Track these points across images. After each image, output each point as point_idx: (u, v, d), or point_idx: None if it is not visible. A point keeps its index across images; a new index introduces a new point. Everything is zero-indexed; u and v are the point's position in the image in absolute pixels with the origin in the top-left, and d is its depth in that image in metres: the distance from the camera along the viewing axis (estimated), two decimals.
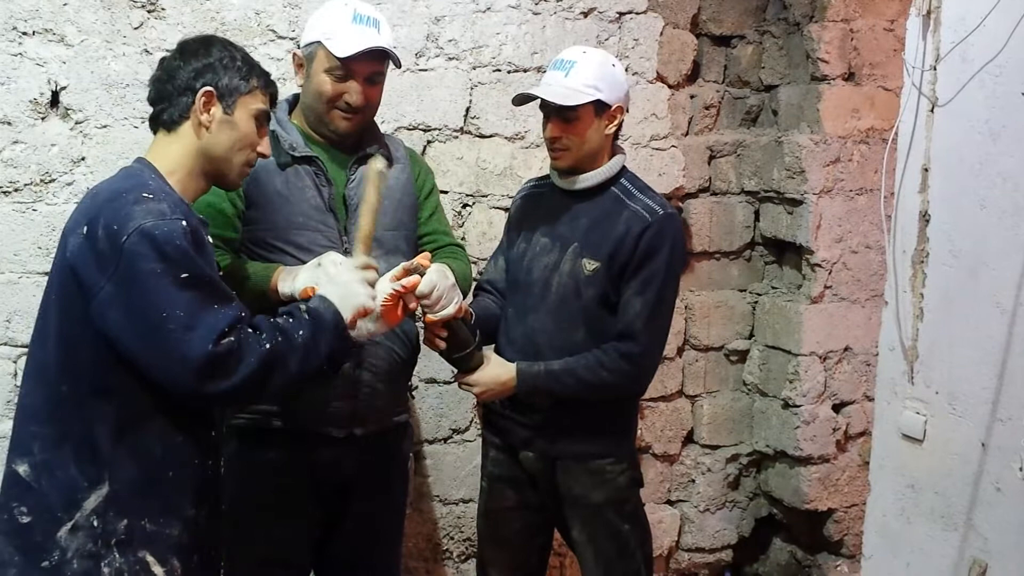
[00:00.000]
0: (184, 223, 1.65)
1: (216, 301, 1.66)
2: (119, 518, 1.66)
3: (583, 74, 2.26)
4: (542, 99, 2.28)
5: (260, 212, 2.16)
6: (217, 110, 1.76)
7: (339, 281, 1.85)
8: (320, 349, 1.76)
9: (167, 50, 2.53)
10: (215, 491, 1.84)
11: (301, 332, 1.74)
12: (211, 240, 1.96)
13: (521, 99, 2.35)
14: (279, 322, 1.74)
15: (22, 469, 1.67)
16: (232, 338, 1.64)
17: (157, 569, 1.69)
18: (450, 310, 2.12)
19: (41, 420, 1.67)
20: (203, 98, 1.75)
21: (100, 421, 1.65)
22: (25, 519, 1.65)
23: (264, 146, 1.85)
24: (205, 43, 1.82)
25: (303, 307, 1.79)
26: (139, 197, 1.65)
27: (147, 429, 1.69)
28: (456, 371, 2.34)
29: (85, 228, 1.63)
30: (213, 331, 1.62)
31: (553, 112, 2.28)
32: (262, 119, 1.83)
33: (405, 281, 2.00)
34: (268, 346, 1.68)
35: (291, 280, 2.02)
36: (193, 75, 1.76)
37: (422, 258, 2.09)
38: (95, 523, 1.65)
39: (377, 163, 2.00)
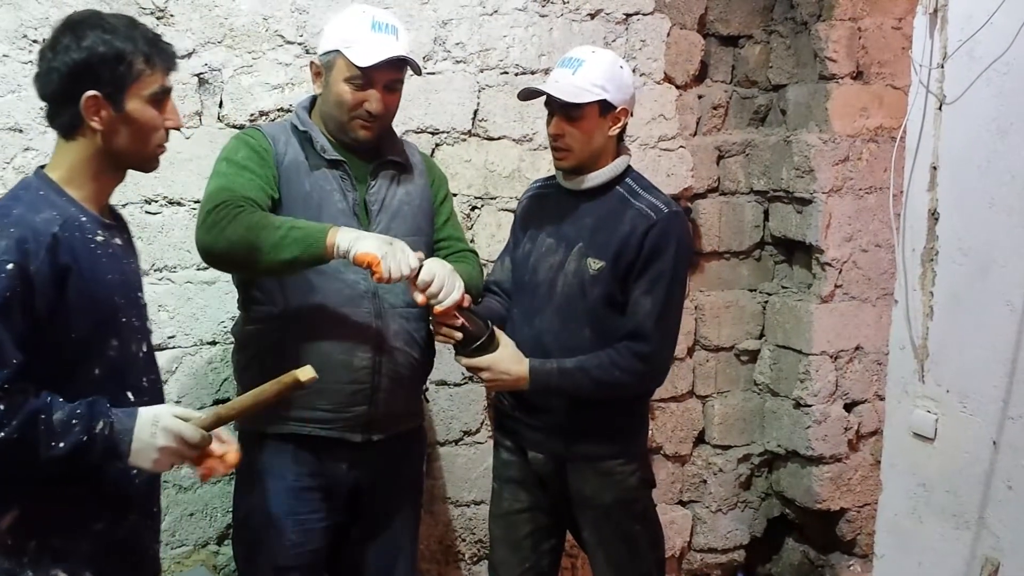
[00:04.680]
0: (9, 266, 1.53)
1: None
2: (29, 537, 1.63)
3: (591, 73, 2.26)
4: (547, 95, 2.28)
5: (286, 212, 2.16)
6: (106, 111, 1.65)
7: (154, 437, 1.65)
8: (77, 464, 1.61)
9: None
10: (137, 497, 1.77)
11: (61, 445, 1.57)
12: (239, 202, 1.90)
13: (527, 94, 2.35)
14: (50, 420, 1.57)
15: None
16: None
17: None
18: (455, 295, 2.11)
19: None
20: (89, 105, 1.63)
21: None
22: None
23: (172, 119, 1.74)
24: (75, 32, 1.64)
25: (105, 421, 1.61)
26: None
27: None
28: (464, 353, 2.27)
29: None
30: None
31: (558, 109, 2.28)
32: (160, 97, 1.70)
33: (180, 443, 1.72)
34: (2, 435, 1.53)
35: (353, 239, 1.97)
36: (70, 79, 1.62)
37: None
38: (9, 542, 1.63)
39: (304, 374, 1.75)
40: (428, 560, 3.07)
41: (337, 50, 2.16)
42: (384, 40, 2.15)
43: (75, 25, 1.66)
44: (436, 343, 2.32)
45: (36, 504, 1.64)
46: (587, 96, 2.25)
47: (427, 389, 2.94)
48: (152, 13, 2.58)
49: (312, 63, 2.26)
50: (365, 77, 2.14)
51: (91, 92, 1.63)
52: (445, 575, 3.12)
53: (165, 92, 1.72)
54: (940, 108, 2.23)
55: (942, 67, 2.22)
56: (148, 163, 1.76)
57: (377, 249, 1.96)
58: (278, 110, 2.70)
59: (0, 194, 2.49)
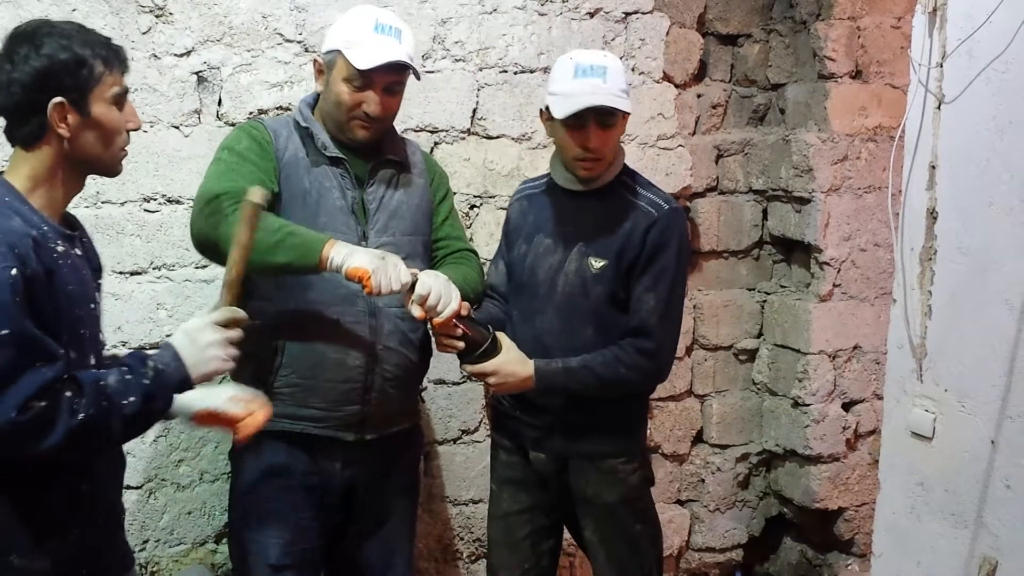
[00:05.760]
0: (14, 271, 1.54)
1: (37, 359, 1.55)
2: None
3: (618, 78, 2.24)
4: (582, 109, 2.19)
5: (285, 208, 2.16)
6: (73, 117, 1.64)
7: (198, 341, 1.73)
8: (152, 412, 1.68)
9: (175, 54, 2.60)
10: (99, 510, 1.77)
11: (132, 399, 1.63)
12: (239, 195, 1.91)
13: (579, 112, 2.20)
14: (107, 384, 1.62)
15: None
16: (44, 402, 1.54)
17: None
18: (453, 306, 2.10)
19: None
20: (55, 112, 1.62)
21: None
22: None
23: (133, 120, 1.74)
24: (32, 41, 1.63)
25: (150, 363, 1.68)
26: None
27: (9, 466, 1.60)
28: (469, 360, 2.27)
29: None
30: (23, 395, 1.52)
31: (597, 120, 2.22)
32: (121, 99, 1.70)
33: (235, 411, 1.88)
34: (82, 416, 1.57)
35: (346, 254, 1.99)
36: (34, 88, 1.61)
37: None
38: None
39: (254, 195, 1.82)
40: (426, 559, 3.07)
41: (338, 50, 2.15)
42: (386, 43, 2.14)
43: (30, 35, 1.65)
44: (438, 350, 2.31)
45: None
46: (626, 102, 2.23)
47: (424, 388, 2.94)
48: (151, 11, 2.58)
49: (315, 60, 2.26)
50: (364, 79, 2.14)
51: (57, 99, 1.62)
52: (444, 573, 3.12)
53: (124, 93, 1.72)
54: (939, 107, 2.23)
55: (941, 66, 2.22)
56: (113, 167, 1.76)
57: (368, 264, 1.97)
58: (277, 108, 2.70)
59: None
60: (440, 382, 3.00)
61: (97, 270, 1.84)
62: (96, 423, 1.59)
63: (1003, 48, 2.05)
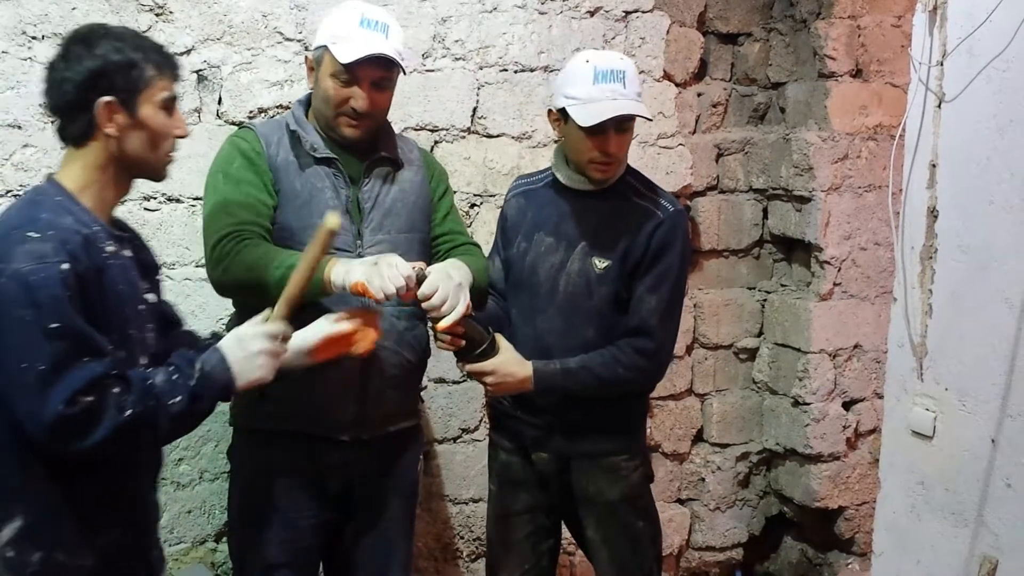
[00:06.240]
0: (66, 266, 1.56)
1: (85, 354, 1.56)
2: (33, 550, 1.63)
3: (635, 81, 2.25)
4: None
5: (279, 212, 2.16)
6: (121, 117, 1.67)
7: (247, 349, 1.75)
8: (197, 413, 1.70)
9: (175, 53, 2.59)
10: (140, 510, 1.80)
11: (178, 399, 1.65)
12: (254, 229, 1.95)
13: (605, 122, 2.20)
14: (155, 383, 1.64)
15: None
16: (92, 397, 1.55)
17: None
18: (460, 309, 2.09)
19: None
20: (104, 110, 1.65)
21: (7, 455, 1.63)
22: None
23: (180, 128, 1.76)
24: (86, 43, 1.67)
25: (198, 365, 1.70)
26: (23, 236, 1.57)
27: (56, 462, 1.63)
28: (466, 360, 2.28)
29: None
30: (70, 389, 1.53)
31: (615, 127, 2.22)
32: (170, 104, 1.73)
33: (343, 326, 1.95)
34: (129, 412, 1.59)
35: (344, 273, 2.00)
36: (85, 86, 1.65)
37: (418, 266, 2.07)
38: (10, 554, 1.63)
39: (331, 222, 1.83)
40: (426, 558, 3.07)
41: (325, 45, 2.14)
42: (371, 37, 2.12)
43: (84, 36, 1.69)
44: (436, 347, 2.30)
45: (41, 517, 1.64)
46: (644, 108, 2.24)
47: (424, 387, 2.94)
48: (151, 10, 2.58)
49: (306, 57, 2.26)
50: (349, 74, 2.12)
51: (106, 98, 1.65)
52: (443, 573, 3.12)
53: (174, 99, 1.75)
54: (939, 106, 2.23)
55: (941, 65, 2.22)
56: (159, 172, 1.79)
57: (363, 275, 1.97)
58: (277, 107, 2.70)
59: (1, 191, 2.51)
60: (440, 381, 3.00)
61: (153, 268, 1.88)
62: (143, 421, 1.61)
63: (1003, 46, 2.05)
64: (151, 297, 1.82)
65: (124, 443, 1.62)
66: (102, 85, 1.65)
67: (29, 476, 1.64)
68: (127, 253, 1.75)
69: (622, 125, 2.24)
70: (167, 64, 1.73)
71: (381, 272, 1.97)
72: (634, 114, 2.22)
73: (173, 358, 1.73)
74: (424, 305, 2.06)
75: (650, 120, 2.26)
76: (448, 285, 2.07)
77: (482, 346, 2.21)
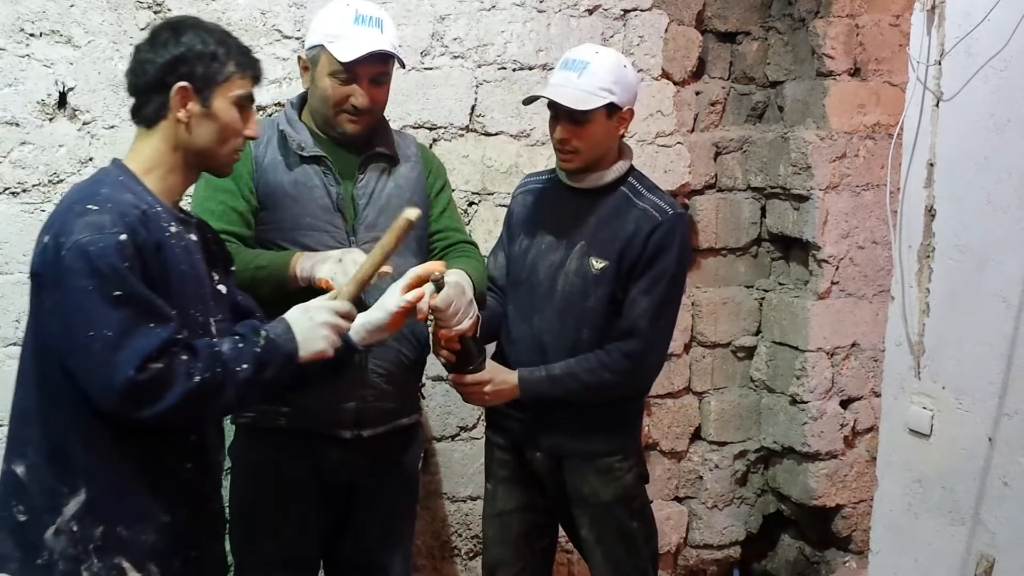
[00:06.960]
0: (124, 237, 1.57)
1: (151, 320, 1.57)
2: (96, 524, 1.64)
3: (597, 76, 2.23)
4: (552, 100, 2.24)
5: (269, 213, 2.16)
6: (194, 104, 1.69)
7: (313, 319, 1.76)
8: (264, 382, 1.70)
9: None
10: (201, 495, 1.81)
11: (245, 366, 1.66)
12: (225, 237, 1.95)
13: (532, 99, 2.33)
14: (222, 351, 1.65)
15: (19, 470, 1.67)
16: (160, 364, 1.56)
17: (133, 575, 1.67)
18: (465, 325, 2.10)
19: (30, 424, 1.67)
20: (178, 95, 1.68)
21: (72, 430, 1.64)
22: (22, 518, 1.66)
23: (251, 128, 1.78)
24: (175, 30, 1.71)
25: (263, 332, 1.71)
26: (84, 209, 1.60)
27: (120, 437, 1.65)
28: (460, 372, 2.29)
29: (46, 238, 1.62)
30: (139, 355, 1.54)
31: (564, 115, 2.24)
32: (244, 103, 1.75)
33: (411, 296, 1.94)
34: (198, 379, 1.59)
35: (309, 267, 2.01)
36: (165, 69, 1.68)
37: (437, 266, 2.03)
38: (75, 528, 1.64)
39: (411, 214, 1.85)
40: (424, 555, 3.07)
41: (321, 44, 2.14)
42: (367, 33, 2.12)
43: (174, 25, 1.74)
44: (432, 353, 2.31)
45: (104, 492, 1.66)
46: (594, 101, 2.21)
47: (423, 385, 2.94)
48: (149, 7, 2.58)
49: (299, 57, 2.25)
50: (349, 72, 2.12)
51: (182, 83, 1.68)
52: (441, 570, 3.12)
53: (250, 99, 1.77)
54: (937, 105, 2.23)
55: (939, 64, 2.22)
56: (223, 167, 1.80)
57: (327, 272, 1.98)
58: (275, 105, 2.70)
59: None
60: (438, 379, 3.00)
61: (225, 259, 1.90)
62: (211, 388, 1.62)
63: (1001, 46, 2.05)
64: (222, 288, 1.84)
65: (193, 410, 1.63)
66: (181, 70, 1.68)
67: (92, 453, 1.65)
68: (192, 237, 1.77)
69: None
70: (249, 64, 1.76)
71: (346, 268, 1.98)
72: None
73: (238, 327, 1.75)
74: (435, 315, 2.07)
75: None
76: (462, 300, 2.08)
77: (469, 366, 2.24)
